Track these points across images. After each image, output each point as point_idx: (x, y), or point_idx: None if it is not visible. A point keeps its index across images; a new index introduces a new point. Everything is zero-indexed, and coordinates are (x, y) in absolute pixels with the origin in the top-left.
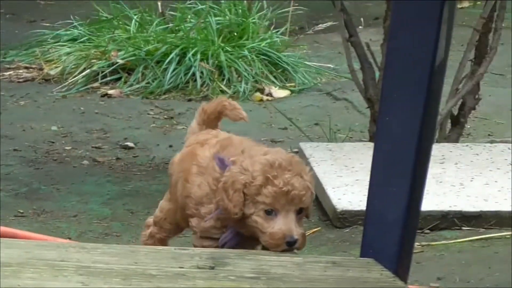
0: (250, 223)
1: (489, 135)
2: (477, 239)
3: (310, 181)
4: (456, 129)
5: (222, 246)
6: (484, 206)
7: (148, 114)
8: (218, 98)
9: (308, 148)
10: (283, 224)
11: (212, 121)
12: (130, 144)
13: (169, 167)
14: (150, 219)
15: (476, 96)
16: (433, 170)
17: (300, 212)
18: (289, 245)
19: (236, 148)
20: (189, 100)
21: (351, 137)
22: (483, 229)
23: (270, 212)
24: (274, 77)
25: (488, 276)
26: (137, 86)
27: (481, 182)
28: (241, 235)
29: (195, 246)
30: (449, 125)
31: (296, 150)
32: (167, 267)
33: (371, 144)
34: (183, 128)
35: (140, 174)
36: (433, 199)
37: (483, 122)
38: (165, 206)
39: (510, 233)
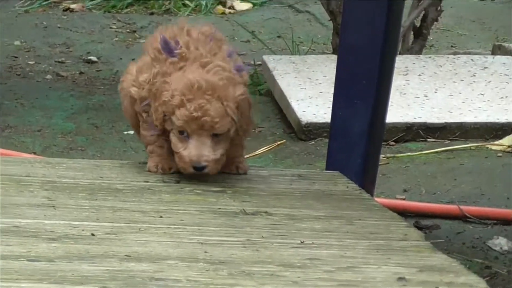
0: (169, 137)
1: (451, 46)
2: (442, 151)
3: (233, 107)
4: (419, 41)
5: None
6: (449, 118)
7: (111, 28)
8: (177, 23)
9: (271, 60)
10: (193, 148)
11: None
12: (93, 58)
13: None
14: None
15: (438, 8)
16: (397, 82)
17: (219, 135)
18: (196, 170)
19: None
20: (151, 13)
21: (314, 50)
22: (448, 141)
23: (183, 133)
24: None
25: (454, 188)
26: (99, 0)
27: (445, 94)
28: None
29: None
30: (411, 37)
31: (259, 62)
32: (133, 181)
33: (335, 57)
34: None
35: (104, 88)
36: (398, 111)
37: (446, 34)
38: None
39: (475, 144)
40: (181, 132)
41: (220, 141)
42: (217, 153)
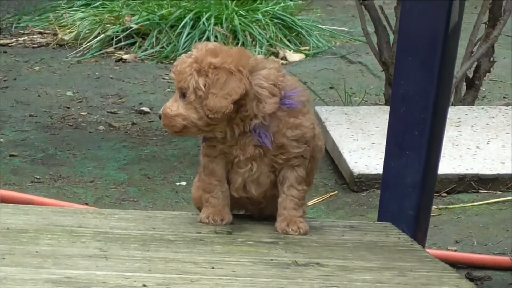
0: None
1: (504, 97)
2: (494, 202)
3: (192, 68)
4: (472, 92)
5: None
6: (501, 169)
7: (163, 78)
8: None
9: (323, 112)
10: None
11: None
12: (146, 109)
13: None
14: None
15: (491, 59)
16: (449, 133)
17: (185, 96)
18: (160, 118)
19: None
20: None
21: (366, 101)
22: (500, 192)
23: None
24: (288, 40)
25: (506, 239)
26: (152, 50)
27: (497, 145)
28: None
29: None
30: (464, 88)
31: None
32: (185, 232)
33: (387, 108)
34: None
35: (156, 139)
36: (450, 162)
37: (498, 85)
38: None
39: None
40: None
41: (187, 104)
42: (175, 111)
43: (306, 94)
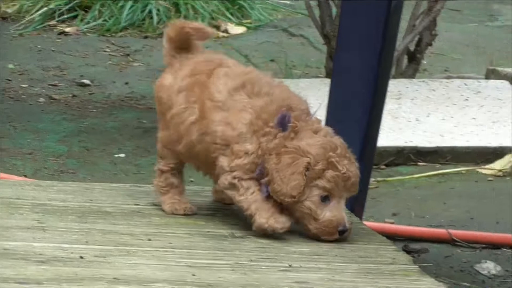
0: (300, 208)
1: (445, 70)
2: (433, 175)
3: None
4: (413, 65)
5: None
6: (440, 142)
7: (105, 51)
8: (178, 23)
9: None
10: (337, 212)
11: (181, 44)
12: (87, 81)
13: (156, 90)
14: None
15: (433, 32)
16: (389, 106)
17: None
18: (341, 234)
19: (272, 98)
20: (145, 37)
21: (307, 73)
22: (439, 165)
23: (325, 199)
24: (231, 13)
25: (443, 211)
26: (94, 23)
27: (437, 118)
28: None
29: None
30: (405, 60)
31: None
32: (123, 204)
33: (328, 80)
34: (139, 65)
35: (96, 111)
36: (389, 135)
37: (440, 58)
38: (162, 136)
39: (466, 168)
40: (324, 198)
41: None
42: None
43: None
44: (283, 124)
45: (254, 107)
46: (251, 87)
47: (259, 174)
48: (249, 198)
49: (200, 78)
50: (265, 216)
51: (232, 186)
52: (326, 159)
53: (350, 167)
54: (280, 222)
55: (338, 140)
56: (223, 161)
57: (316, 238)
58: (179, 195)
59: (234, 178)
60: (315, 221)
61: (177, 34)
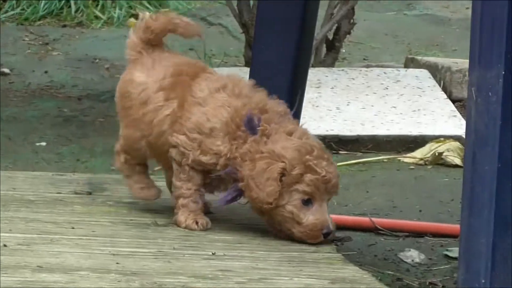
0: (281, 212)
1: (364, 59)
2: (354, 163)
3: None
4: (332, 54)
5: (222, 204)
6: (361, 130)
7: (23, 40)
8: (165, 14)
9: None
10: (320, 215)
11: (158, 39)
12: (6, 70)
13: (122, 86)
14: (118, 146)
15: (351, 21)
16: (309, 95)
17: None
18: (325, 237)
19: (249, 100)
20: (64, 26)
21: (226, 62)
22: (360, 153)
23: (307, 202)
24: (148, 2)
25: (366, 200)
26: (12, 12)
27: (357, 106)
28: (241, 194)
29: (175, 185)
30: (324, 49)
31: None
32: (45, 192)
33: (247, 69)
34: (58, 54)
35: (16, 100)
36: (310, 124)
37: (358, 47)
38: (126, 134)
39: (387, 157)
40: (305, 202)
41: None
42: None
43: None
44: (251, 127)
45: (231, 106)
46: (232, 88)
47: (227, 173)
48: (183, 190)
49: (183, 79)
50: (185, 215)
51: (179, 164)
52: (303, 163)
53: (329, 168)
54: (199, 225)
55: (314, 141)
56: (182, 141)
57: (301, 241)
58: (145, 178)
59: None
60: (299, 225)
61: (163, 27)
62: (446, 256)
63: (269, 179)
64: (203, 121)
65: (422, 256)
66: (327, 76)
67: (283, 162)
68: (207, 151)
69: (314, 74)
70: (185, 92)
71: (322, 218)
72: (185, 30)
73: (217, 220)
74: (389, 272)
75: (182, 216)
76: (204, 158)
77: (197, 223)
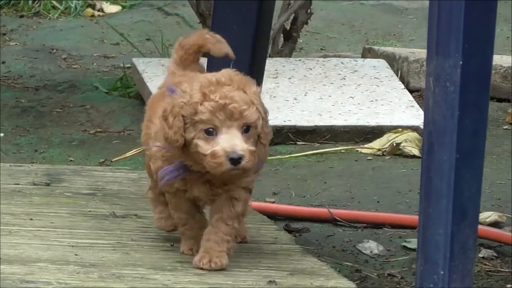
0: (193, 149)
1: (321, 49)
2: (312, 154)
3: (255, 98)
4: (289, 44)
5: (162, 181)
6: (319, 121)
7: None
8: (197, 32)
9: (140, 63)
10: (225, 141)
11: (190, 57)
12: None
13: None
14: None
15: (308, 11)
16: (267, 85)
17: (248, 131)
18: (234, 163)
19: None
20: (21, 16)
21: None
22: (318, 144)
23: (211, 132)
24: None
25: (324, 191)
26: None
27: (315, 97)
28: (185, 170)
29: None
30: (281, 39)
31: (128, 65)
32: (3, 183)
33: (205, 59)
34: (16, 44)
35: None
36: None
37: (316, 37)
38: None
39: (345, 147)
40: (208, 132)
41: (249, 138)
42: (251, 147)
43: None
44: (171, 90)
45: None
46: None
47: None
48: (177, 220)
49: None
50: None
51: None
52: (201, 93)
53: (228, 93)
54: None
55: (224, 73)
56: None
57: (215, 174)
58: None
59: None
60: (204, 157)
61: (193, 43)
62: (405, 247)
63: (173, 116)
64: None
65: (381, 248)
66: (284, 66)
67: (183, 97)
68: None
69: (271, 64)
70: None
71: (224, 144)
72: (214, 47)
73: None
74: (348, 263)
75: (183, 246)
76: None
77: (191, 250)
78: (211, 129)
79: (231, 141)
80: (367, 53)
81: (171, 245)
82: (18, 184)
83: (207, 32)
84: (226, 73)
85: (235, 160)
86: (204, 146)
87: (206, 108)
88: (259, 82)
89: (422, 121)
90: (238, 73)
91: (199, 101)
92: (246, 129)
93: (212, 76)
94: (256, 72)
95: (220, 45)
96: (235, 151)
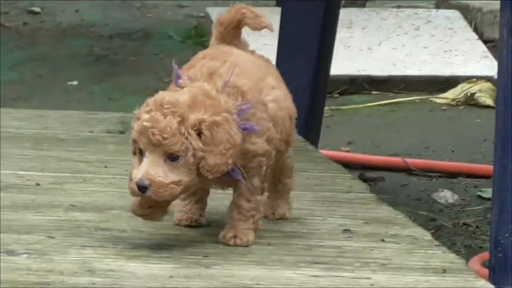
0: None
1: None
2: (386, 103)
3: (193, 127)
4: None
5: None
6: (392, 71)
7: None
8: (235, 6)
9: (214, 12)
10: (142, 166)
11: (230, 33)
12: (37, 9)
13: None
14: None
15: None
16: (341, 35)
17: (175, 159)
18: (139, 189)
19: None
20: None
21: (257, 2)
22: (392, 94)
23: (141, 152)
24: None
25: (398, 140)
26: None
27: (389, 47)
28: None
29: None
30: None
31: (202, 14)
32: (77, 131)
33: (278, 9)
34: None
35: (47, 39)
36: (342, 64)
37: None
38: None
39: (419, 97)
40: (140, 152)
41: (177, 168)
42: (168, 178)
43: (255, 103)
44: (176, 77)
45: None
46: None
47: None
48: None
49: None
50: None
51: None
52: (141, 110)
53: (153, 117)
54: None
55: (162, 95)
56: None
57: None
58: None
59: None
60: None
61: (231, 18)
62: (479, 196)
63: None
64: None
65: (456, 197)
66: (358, 16)
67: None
68: None
69: (345, 14)
70: None
71: (138, 169)
72: (252, 22)
73: None
74: (423, 212)
75: None
76: None
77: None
78: (140, 150)
79: (143, 167)
80: (441, 4)
81: None
82: (92, 132)
83: (244, 7)
84: (186, 94)
85: (140, 188)
86: (133, 164)
87: (135, 128)
88: (332, 32)
89: (496, 71)
90: (206, 94)
91: (136, 118)
92: (172, 158)
93: (161, 95)
94: (329, 22)
95: (259, 19)
96: (139, 179)
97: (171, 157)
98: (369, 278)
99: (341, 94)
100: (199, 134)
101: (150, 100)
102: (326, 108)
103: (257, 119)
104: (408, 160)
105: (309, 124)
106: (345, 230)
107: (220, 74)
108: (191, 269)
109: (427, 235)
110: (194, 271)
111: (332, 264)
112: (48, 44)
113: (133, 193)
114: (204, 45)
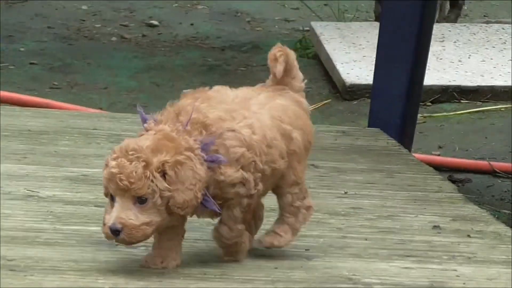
0: None
1: (484, 15)
2: (474, 111)
3: (154, 171)
4: (455, 10)
5: None
6: (481, 81)
7: None
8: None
9: (318, 27)
10: (113, 211)
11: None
12: (155, 22)
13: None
14: None
15: None
16: (434, 48)
17: (144, 202)
18: (112, 233)
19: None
20: None
21: (357, 17)
22: (480, 102)
23: (112, 197)
24: None
25: (485, 145)
26: None
27: (478, 59)
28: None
29: None
30: (448, 6)
31: (307, 28)
32: None
33: (377, 24)
34: (203, 8)
35: (164, 50)
36: (434, 74)
37: (479, 4)
38: None
39: (505, 106)
40: (111, 197)
41: (146, 209)
42: (139, 220)
43: (222, 133)
44: (142, 119)
45: None
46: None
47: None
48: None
49: None
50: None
51: None
52: (109, 157)
53: (125, 164)
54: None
55: (127, 142)
56: None
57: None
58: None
59: None
60: None
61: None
62: None
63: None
64: None
65: None
66: (450, 31)
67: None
68: None
69: (438, 29)
70: None
71: (111, 214)
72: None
73: (347, 163)
74: (506, 211)
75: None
76: None
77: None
78: (111, 195)
79: (114, 212)
80: None
81: (345, 192)
82: None
83: (277, 50)
84: (149, 140)
85: (113, 232)
86: (106, 209)
87: (104, 175)
88: (426, 45)
89: None
90: (167, 137)
91: (105, 165)
92: (141, 200)
93: (127, 142)
94: (424, 36)
95: (272, 63)
96: (112, 224)
97: (140, 200)
98: (456, 270)
99: (433, 102)
100: (164, 175)
101: (117, 148)
102: (419, 115)
103: (226, 148)
104: (494, 163)
105: (403, 130)
106: (435, 227)
107: (187, 112)
108: (294, 261)
109: (510, 232)
110: (297, 263)
111: (422, 257)
112: (165, 55)
113: (107, 237)
114: (309, 57)
